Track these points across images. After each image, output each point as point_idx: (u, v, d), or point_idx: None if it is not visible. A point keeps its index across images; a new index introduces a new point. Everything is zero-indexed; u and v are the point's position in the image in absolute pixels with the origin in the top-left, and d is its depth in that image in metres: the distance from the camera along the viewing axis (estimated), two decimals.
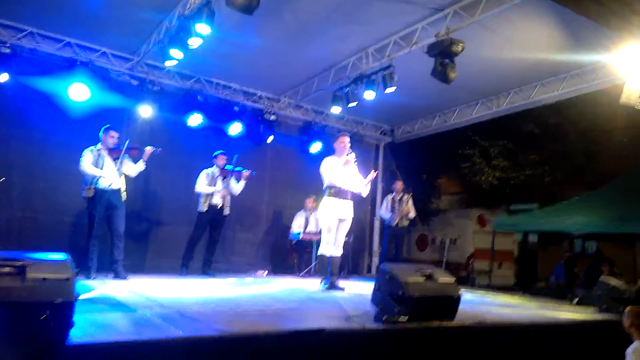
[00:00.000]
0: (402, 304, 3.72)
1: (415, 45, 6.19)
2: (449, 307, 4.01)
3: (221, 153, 7.43)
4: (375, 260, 10.09)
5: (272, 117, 8.73)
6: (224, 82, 8.44)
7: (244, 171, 7.39)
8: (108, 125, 6.30)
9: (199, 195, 7.25)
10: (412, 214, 8.89)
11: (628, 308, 3.72)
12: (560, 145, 11.12)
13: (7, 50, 6.64)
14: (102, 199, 5.96)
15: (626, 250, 10.90)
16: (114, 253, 6.04)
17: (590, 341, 4.45)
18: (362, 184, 6.00)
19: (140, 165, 6.40)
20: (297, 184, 9.11)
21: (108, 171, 6.06)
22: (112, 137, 6.20)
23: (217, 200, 7.27)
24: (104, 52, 7.45)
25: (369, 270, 10.12)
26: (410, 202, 8.87)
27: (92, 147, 6.12)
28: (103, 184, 5.99)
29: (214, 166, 7.38)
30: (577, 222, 7.65)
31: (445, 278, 4.10)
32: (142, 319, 3.45)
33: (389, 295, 3.82)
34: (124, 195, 6.22)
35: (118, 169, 6.14)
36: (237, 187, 7.45)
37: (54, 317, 2.56)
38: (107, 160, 6.12)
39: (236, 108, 8.50)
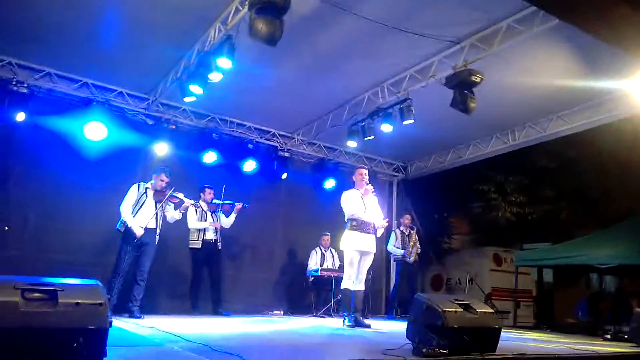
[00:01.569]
0: (441, 336, 3.53)
1: (432, 78, 6.23)
2: (490, 339, 3.80)
3: (208, 187, 7.31)
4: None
5: (286, 154, 8.76)
6: (238, 120, 8.50)
7: (236, 204, 7.25)
8: (164, 167, 6.40)
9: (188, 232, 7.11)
10: (417, 249, 8.69)
11: None
12: (575, 180, 11.02)
13: (25, 90, 6.73)
14: (136, 236, 5.91)
15: None
16: (134, 292, 5.93)
17: None
18: (378, 221, 5.90)
19: (177, 215, 6.44)
20: (311, 221, 8.98)
21: (146, 210, 6.09)
22: (162, 181, 6.24)
23: (210, 236, 7.12)
24: (120, 92, 7.54)
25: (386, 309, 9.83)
26: (415, 237, 8.70)
27: (141, 182, 6.22)
28: (139, 221, 6.01)
29: (200, 200, 7.22)
30: (602, 255, 7.47)
31: (484, 308, 3.92)
32: (172, 353, 3.28)
33: (426, 327, 3.63)
34: (157, 237, 6.19)
35: (157, 211, 6.15)
36: (227, 220, 7.32)
37: (87, 343, 2.42)
38: (149, 200, 6.16)
39: (250, 145, 8.53)
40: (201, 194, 7.26)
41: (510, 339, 5.31)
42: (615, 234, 7.86)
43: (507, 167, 11.08)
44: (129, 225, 5.95)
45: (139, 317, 5.81)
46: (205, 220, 7.15)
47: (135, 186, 6.16)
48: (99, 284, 2.76)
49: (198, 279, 7.09)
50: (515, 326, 8.78)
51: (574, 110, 7.30)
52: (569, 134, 7.60)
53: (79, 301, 2.48)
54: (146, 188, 6.20)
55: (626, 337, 5.72)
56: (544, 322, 10.15)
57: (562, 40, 5.50)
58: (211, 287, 7.16)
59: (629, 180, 10.28)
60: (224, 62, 5.46)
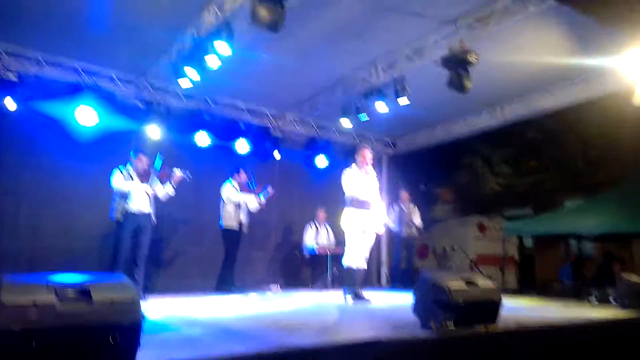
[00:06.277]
0: (448, 311, 3.72)
1: (427, 58, 6.26)
2: (492, 311, 4.03)
3: (242, 168, 7.43)
4: (385, 270, 10.11)
5: (278, 134, 8.79)
6: (229, 100, 8.45)
7: (269, 189, 7.45)
8: (139, 149, 6.34)
9: (222, 211, 7.16)
10: (419, 223, 8.98)
11: None
12: (560, 152, 11.30)
13: (13, 77, 6.59)
14: (133, 223, 5.95)
15: (624, 250, 11.08)
16: (135, 275, 5.95)
17: (626, 338, 4.50)
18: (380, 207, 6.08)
19: (169, 189, 6.39)
20: (305, 198, 9.18)
21: (138, 195, 6.06)
22: (141, 162, 6.20)
23: (243, 217, 7.22)
24: (110, 76, 7.41)
25: (379, 280, 10.11)
26: (417, 212, 8.98)
27: (121, 167, 6.12)
28: (133, 207, 5.99)
29: (230, 181, 7.31)
30: (589, 224, 7.77)
31: (485, 283, 4.12)
32: (193, 339, 3.38)
33: (433, 302, 3.82)
34: (153, 220, 6.22)
35: (147, 192, 6.15)
36: (256, 204, 7.44)
37: (123, 339, 2.50)
38: (138, 183, 6.13)
39: (242, 126, 8.51)
40: (236, 174, 7.35)
41: (506, 307, 5.56)
42: (599, 203, 8.16)
43: (495, 140, 11.28)
44: (130, 189, 5.95)
45: (144, 299, 5.89)
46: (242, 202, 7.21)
47: (117, 170, 6.07)
48: (127, 278, 2.84)
49: (233, 259, 7.15)
50: (503, 291, 9.10)
51: (562, 86, 7.43)
52: (556, 108, 7.78)
53: (113, 298, 2.56)
54: (129, 172, 6.13)
55: (612, 300, 6.03)
56: (527, 286, 10.56)
57: (554, 19, 5.58)
58: (231, 266, 7.23)
59: (613, 151, 10.60)
60: (223, 48, 5.42)
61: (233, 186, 7.27)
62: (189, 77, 6.04)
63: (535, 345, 3.98)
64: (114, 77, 7.41)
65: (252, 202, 7.35)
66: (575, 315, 4.97)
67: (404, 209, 8.95)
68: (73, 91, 7.04)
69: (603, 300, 6.39)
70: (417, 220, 8.96)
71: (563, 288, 7.91)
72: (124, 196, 6.01)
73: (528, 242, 13.92)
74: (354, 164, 6.05)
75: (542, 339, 4.05)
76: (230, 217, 7.12)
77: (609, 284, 7.38)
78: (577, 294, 7.47)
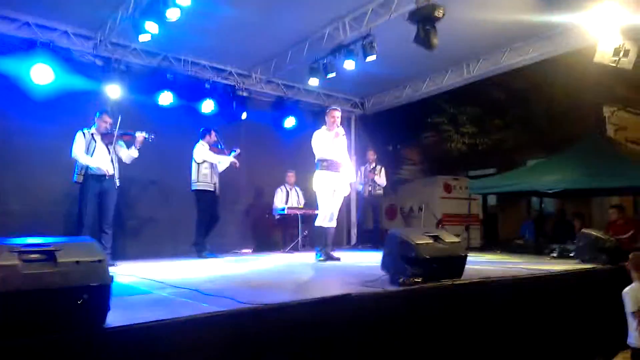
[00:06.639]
0: (415, 266, 3.81)
1: (394, 13, 6.17)
2: (457, 266, 4.15)
3: (213, 129, 7.32)
4: (354, 231, 10.23)
5: (244, 94, 8.59)
6: (193, 59, 8.16)
7: (236, 150, 7.35)
8: (103, 110, 6.10)
9: (196, 173, 7.03)
10: (383, 182, 9.04)
11: (632, 254, 3.98)
12: (524, 110, 11.48)
13: None
14: (96, 186, 5.77)
15: (584, 207, 11.53)
16: (103, 241, 5.81)
17: (585, 288, 4.73)
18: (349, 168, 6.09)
19: (133, 152, 6.21)
20: (274, 160, 9.08)
21: (101, 156, 5.87)
22: (105, 122, 5.97)
23: (216, 178, 7.12)
24: (65, 32, 7.04)
25: (349, 242, 10.25)
26: (383, 172, 9.04)
27: (84, 130, 5.89)
28: (96, 169, 5.82)
29: (201, 142, 7.17)
30: (549, 181, 7.98)
31: (451, 238, 4.21)
32: (164, 300, 3.36)
33: (401, 258, 3.89)
34: (117, 182, 6.03)
35: (111, 155, 5.95)
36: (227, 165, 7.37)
37: (91, 300, 2.46)
38: (100, 145, 5.91)
39: (207, 85, 8.28)
40: (207, 135, 7.20)
41: (470, 262, 5.74)
42: (561, 161, 8.36)
43: (461, 99, 11.37)
44: (92, 165, 5.77)
45: (113, 265, 5.80)
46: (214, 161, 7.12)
47: (80, 133, 5.87)
48: (93, 240, 2.77)
49: (212, 220, 7.08)
50: (468, 248, 9.38)
51: (526, 43, 7.49)
52: (521, 66, 7.85)
53: (79, 259, 2.49)
54: (92, 134, 5.94)
55: (571, 255, 6.29)
56: (490, 243, 10.92)
57: None
58: (208, 229, 7.15)
59: (575, 109, 10.84)
60: None
61: (205, 147, 7.13)
62: (149, 31, 5.78)
63: (498, 296, 4.14)
64: (69, 32, 7.04)
65: (226, 162, 7.24)
66: (536, 268, 5.17)
67: (369, 169, 9.00)
68: (27, 48, 6.70)
69: (563, 255, 6.66)
70: (381, 180, 9.02)
71: (525, 244, 8.19)
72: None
73: (492, 201, 14.38)
74: (323, 126, 6.03)
75: (504, 291, 4.21)
76: (206, 179, 7.01)
77: (568, 239, 7.70)
78: (538, 249, 7.74)
